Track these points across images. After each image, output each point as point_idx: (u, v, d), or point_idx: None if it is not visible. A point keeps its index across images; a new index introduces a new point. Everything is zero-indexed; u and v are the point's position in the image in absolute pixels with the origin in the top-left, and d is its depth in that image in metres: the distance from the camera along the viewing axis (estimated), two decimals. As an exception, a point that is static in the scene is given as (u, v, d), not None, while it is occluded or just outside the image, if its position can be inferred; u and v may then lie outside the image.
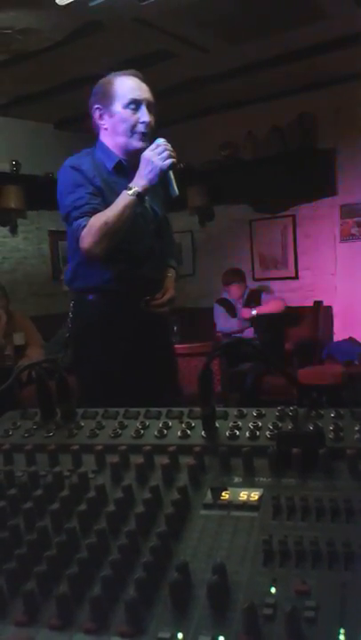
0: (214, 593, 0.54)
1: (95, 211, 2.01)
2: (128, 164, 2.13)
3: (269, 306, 5.25)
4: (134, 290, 2.09)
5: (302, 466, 0.72)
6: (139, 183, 2.00)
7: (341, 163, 5.43)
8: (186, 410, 0.91)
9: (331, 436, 0.77)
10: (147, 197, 2.05)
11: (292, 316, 5.31)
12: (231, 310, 5.32)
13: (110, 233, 1.98)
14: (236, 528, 0.65)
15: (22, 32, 3.99)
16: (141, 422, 0.89)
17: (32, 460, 0.83)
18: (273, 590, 0.56)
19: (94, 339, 2.10)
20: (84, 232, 1.97)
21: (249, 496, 0.69)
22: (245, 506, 0.68)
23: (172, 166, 2.01)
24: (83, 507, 0.68)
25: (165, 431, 0.86)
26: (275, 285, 5.82)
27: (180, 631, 0.53)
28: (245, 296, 5.35)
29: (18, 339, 4.25)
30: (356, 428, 0.78)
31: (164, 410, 0.91)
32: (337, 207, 5.46)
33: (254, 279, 5.86)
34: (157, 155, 2.00)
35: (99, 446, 0.82)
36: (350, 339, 5.18)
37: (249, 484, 0.72)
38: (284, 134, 5.59)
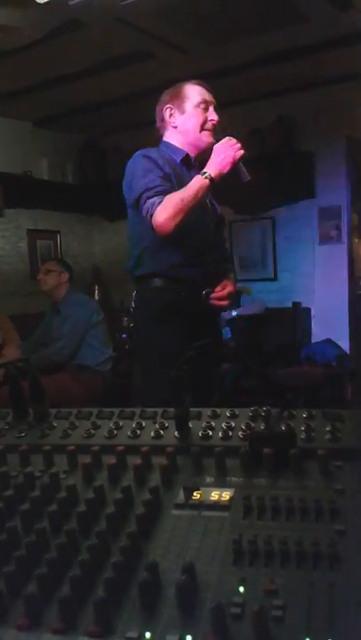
0: (183, 593, 0.55)
1: (168, 191, 2.13)
2: (194, 160, 2.33)
3: (249, 308, 5.26)
4: (197, 278, 2.22)
5: (274, 466, 0.73)
6: (211, 169, 2.16)
7: (320, 165, 5.47)
8: (160, 410, 0.91)
9: (302, 437, 0.78)
10: (208, 194, 2.23)
11: (270, 317, 5.34)
12: None
13: (184, 210, 2.10)
14: (206, 528, 0.65)
15: (1, 29, 3.95)
16: (115, 422, 0.89)
17: (3, 460, 0.82)
18: (241, 590, 0.56)
19: (158, 322, 2.21)
20: (160, 208, 2.09)
21: (220, 496, 0.70)
22: (216, 506, 0.68)
23: (242, 157, 2.19)
24: (53, 507, 0.68)
25: (139, 431, 0.85)
26: (253, 286, 5.84)
27: (149, 631, 0.53)
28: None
29: (-6, 338, 4.20)
30: (328, 429, 0.79)
31: (137, 410, 0.91)
32: (315, 210, 5.50)
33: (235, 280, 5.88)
34: (230, 146, 2.19)
35: (71, 446, 0.82)
36: (328, 340, 5.23)
37: (221, 483, 0.73)
38: (264, 136, 5.62)
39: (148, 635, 0.53)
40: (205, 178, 2.14)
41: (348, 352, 5.23)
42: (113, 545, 0.62)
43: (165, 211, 2.09)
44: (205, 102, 2.33)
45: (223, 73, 4.80)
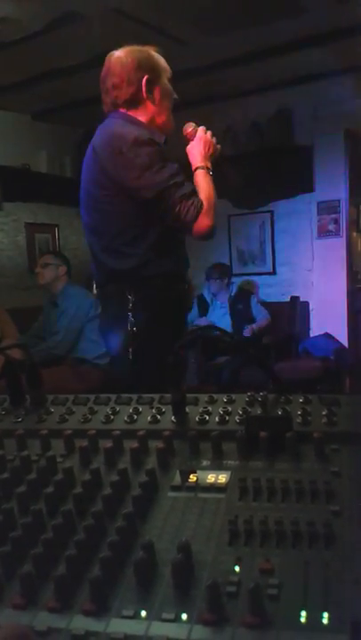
0: (178, 571, 0.55)
1: (195, 189, 1.97)
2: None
3: (263, 322, 5.19)
4: (186, 275, 2.12)
5: (270, 449, 0.73)
6: (207, 163, 2.02)
7: (319, 159, 5.47)
8: (157, 396, 0.91)
9: (298, 421, 0.78)
10: None
11: (269, 311, 5.34)
12: (203, 308, 5.32)
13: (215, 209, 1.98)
14: (202, 509, 0.65)
15: (1, 21, 3.94)
16: (111, 408, 0.89)
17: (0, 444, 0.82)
18: (237, 569, 0.56)
19: (165, 324, 1.98)
20: (206, 209, 1.93)
21: (217, 478, 0.70)
22: (213, 488, 0.68)
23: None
24: (50, 489, 0.68)
25: (135, 416, 0.86)
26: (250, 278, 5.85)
27: (144, 609, 0.53)
28: (233, 295, 5.33)
29: (-8, 331, 4.20)
30: (324, 413, 0.79)
31: (134, 396, 0.91)
32: (314, 203, 5.50)
33: (232, 274, 5.87)
34: (211, 137, 2.05)
35: (68, 431, 0.82)
36: (326, 334, 5.23)
37: (217, 466, 0.73)
38: (263, 130, 5.61)
39: (143, 613, 0.53)
40: (209, 174, 2.00)
41: (347, 345, 5.24)
42: (109, 525, 0.62)
43: (212, 212, 1.94)
44: (171, 77, 2.07)
45: (222, 65, 4.79)
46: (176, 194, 1.90)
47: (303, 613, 0.51)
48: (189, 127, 2.09)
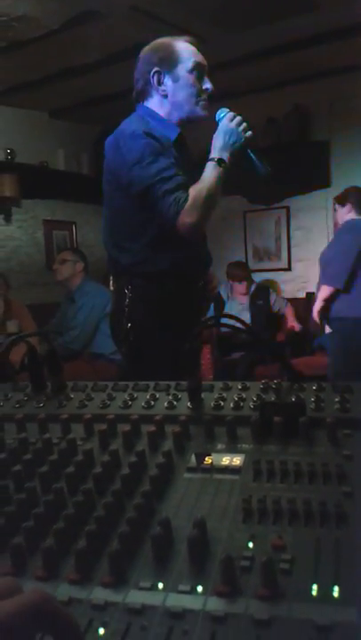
0: (194, 546, 0.57)
1: (187, 183, 1.87)
2: (184, 137, 2.02)
3: (290, 319, 5.28)
4: (196, 273, 2.05)
5: (284, 434, 0.75)
6: (224, 154, 1.88)
7: (336, 154, 5.45)
8: (173, 383, 0.93)
9: (312, 407, 0.79)
10: None
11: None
12: (218, 308, 5.35)
13: (213, 207, 1.87)
14: (217, 489, 0.67)
15: (19, 19, 3.98)
16: (129, 394, 0.91)
17: (22, 428, 0.85)
18: (251, 545, 0.58)
19: (163, 323, 1.96)
20: (189, 206, 1.82)
21: (231, 460, 0.72)
22: (228, 469, 0.70)
23: (250, 140, 1.93)
24: (70, 469, 0.70)
25: (153, 402, 0.88)
26: (268, 277, 5.84)
27: (161, 581, 0.55)
28: (251, 292, 5.35)
29: (11, 326, 4.26)
30: (337, 399, 0.80)
31: (151, 383, 0.94)
32: (330, 199, 5.47)
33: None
34: (238, 125, 1.90)
35: (87, 415, 0.84)
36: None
37: (232, 450, 0.75)
38: (280, 125, 5.60)
39: (160, 585, 0.55)
40: (221, 167, 1.87)
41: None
42: (127, 503, 0.64)
43: (196, 210, 1.83)
44: (199, 67, 1.97)
45: (239, 62, 4.79)
46: (161, 189, 1.84)
47: (314, 587, 0.52)
48: (222, 114, 1.98)
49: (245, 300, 5.33)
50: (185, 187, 1.86)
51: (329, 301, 3.70)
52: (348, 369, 3.55)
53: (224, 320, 0.96)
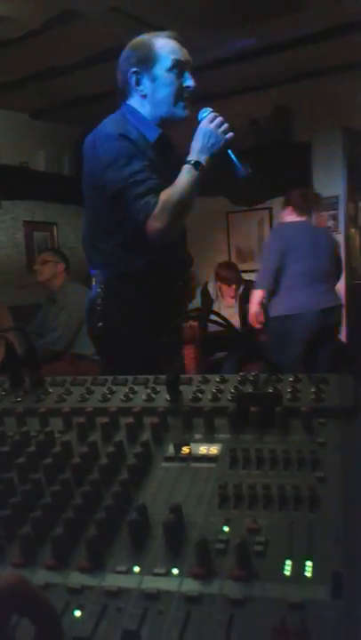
0: (170, 530, 0.58)
1: (159, 187, 1.83)
2: (167, 137, 1.99)
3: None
4: (173, 272, 2.02)
5: (260, 423, 0.76)
6: (201, 157, 1.85)
7: (317, 156, 5.50)
8: (152, 377, 0.94)
9: (288, 397, 0.81)
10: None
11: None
12: (205, 305, 5.35)
13: (184, 212, 1.85)
14: (194, 477, 0.68)
15: (-2, 20, 3.97)
16: (108, 388, 0.92)
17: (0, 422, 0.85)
18: (226, 529, 0.59)
19: (137, 324, 1.95)
20: (158, 211, 1.80)
21: (209, 450, 0.73)
22: (205, 458, 0.71)
23: (232, 141, 1.88)
24: (48, 460, 0.71)
25: (131, 395, 0.89)
26: (252, 277, 5.87)
27: (137, 565, 0.56)
28: (240, 293, 5.36)
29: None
30: (313, 390, 0.82)
31: (130, 377, 0.94)
32: (312, 200, 5.52)
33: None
34: (218, 127, 1.86)
35: (66, 409, 0.85)
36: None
37: (209, 440, 0.76)
38: (261, 127, 5.64)
39: (136, 568, 0.56)
40: (197, 169, 1.83)
41: (345, 340, 5.27)
42: (105, 492, 0.65)
43: (165, 215, 1.80)
44: (180, 64, 1.92)
45: (221, 63, 4.82)
46: (132, 192, 1.82)
47: (288, 567, 0.54)
48: (204, 114, 1.94)
49: (233, 302, 5.34)
50: (157, 190, 1.83)
51: (260, 304, 3.89)
52: (282, 363, 3.66)
53: (206, 316, 0.97)
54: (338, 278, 4.12)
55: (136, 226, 1.85)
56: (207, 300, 5.39)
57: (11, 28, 4.09)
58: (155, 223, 1.82)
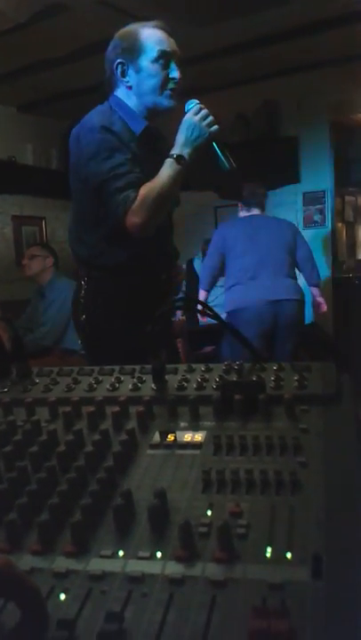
0: (154, 515, 0.59)
1: (140, 181, 1.82)
2: (154, 130, 1.98)
3: None
4: (157, 265, 2.02)
5: (244, 411, 0.77)
6: (185, 151, 1.83)
7: (305, 150, 5.52)
8: (138, 367, 0.94)
9: (271, 385, 0.82)
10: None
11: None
12: (193, 282, 5.35)
13: (164, 207, 1.83)
14: (179, 463, 0.69)
15: (-16, 12, 3.94)
16: (95, 378, 0.92)
17: (-13, 412, 0.85)
18: (209, 513, 0.60)
19: (119, 314, 1.96)
20: (137, 206, 1.79)
21: (193, 437, 0.74)
22: (189, 445, 0.72)
23: (217, 134, 1.86)
24: (34, 448, 0.71)
25: (117, 385, 0.89)
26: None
27: (121, 549, 0.57)
28: None
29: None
30: (296, 378, 0.83)
31: (116, 367, 0.95)
32: (300, 194, 5.55)
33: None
34: (203, 119, 1.84)
35: (52, 398, 0.85)
36: (313, 324, 5.29)
37: (194, 427, 0.77)
38: (249, 121, 5.64)
39: (121, 552, 0.57)
40: (180, 163, 1.82)
41: (333, 335, 5.30)
42: (91, 478, 0.66)
43: (144, 210, 1.79)
44: (165, 55, 1.90)
45: (209, 56, 4.81)
46: (112, 186, 1.82)
47: (269, 550, 0.55)
48: (190, 105, 1.92)
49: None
50: (137, 184, 1.82)
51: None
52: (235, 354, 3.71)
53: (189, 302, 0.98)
54: (309, 267, 4.08)
55: (116, 220, 1.85)
56: (193, 278, 5.37)
57: (-3, 21, 4.06)
58: (133, 218, 1.81)
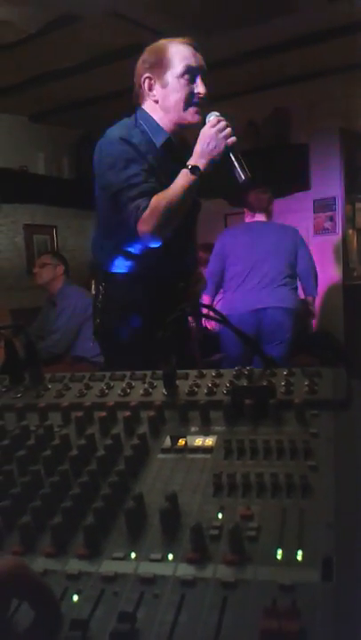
0: (165, 518, 0.59)
1: (154, 190, 1.86)
2: (177, 142, 2.01)
3: None
4: (175, 274, 2.04)
5: (254, 415, 0.77)
6: (200, 162, 1.86)
7: (315, 158, 5.52)
8: (149, 372, 0.95)
9: (282, 390, 0.82)
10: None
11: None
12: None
13: (175, 216, 1.86)
14: (190, 467, 0.70)
15: (-4, 24, 3.99)
16: (106, 383, 0.93)
17: (0, 417, 0.86)
18: (220, 516, 0.61)
19: (132, 319, 1.99)
20: (147, 214, 1.84)
21: (204, 441, 0.74)
22: (200, 449, 0.73)
23: (234, 146, 1.88)
24: (47, 452, 0.72)
25: (129, 390, 0.90)
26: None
27: (133, 551, 0.58)
28: None
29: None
30: (306, 383, 0.83)
31: (127, 372, 0.96)
32: (310, 201, 5.55)
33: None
34: (220, 131, 1.87)
35: (65, 404, 0.86)
36: (324, 331, 5.27)
37: (205, 432, 0.77)
38: (259, 129, 5.66)
39: (133, 554, 0.57)
40: (193, 174, 1.86)
41: (344, 342, 5.28)
42: (103, 482, 0.67)
43: (155, 218, 1.84)
44: (191, 70, 1.94)
45: (220, 65, 4.83)
46: (125, 195, 1.87)
47: (279, 552, 0.55)
48: (210, 117, 1.96)
49: None
50: (150, 194, 1.86)
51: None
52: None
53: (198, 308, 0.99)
54: (307, 278, 4.07)
55: (128, 227, 1.90)
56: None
57: (10, 33, 4.11)
58: (143, 226, 1.86)
